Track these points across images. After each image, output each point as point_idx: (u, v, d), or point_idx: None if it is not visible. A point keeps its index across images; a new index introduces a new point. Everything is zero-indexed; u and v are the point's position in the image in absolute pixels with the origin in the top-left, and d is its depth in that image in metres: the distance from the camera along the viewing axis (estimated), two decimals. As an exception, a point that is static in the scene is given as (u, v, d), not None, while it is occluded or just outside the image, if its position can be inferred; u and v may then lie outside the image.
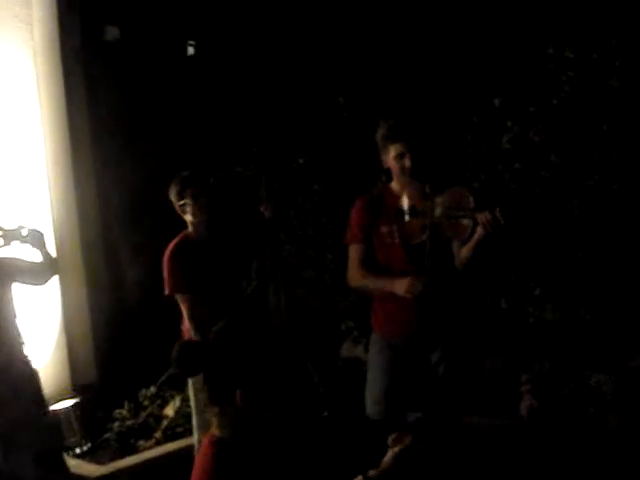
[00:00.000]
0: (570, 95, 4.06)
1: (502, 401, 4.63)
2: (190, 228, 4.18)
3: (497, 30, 4.44)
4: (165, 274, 4.15)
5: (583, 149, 4.14)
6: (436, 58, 4.84)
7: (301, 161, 5.83)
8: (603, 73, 3.97)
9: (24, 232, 3.74)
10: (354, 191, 5.62)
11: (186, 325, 4.19)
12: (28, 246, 3.76)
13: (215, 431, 2.15)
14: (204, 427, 4.16)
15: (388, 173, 3.78)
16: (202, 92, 6.07)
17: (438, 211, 3.47)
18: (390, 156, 3.64)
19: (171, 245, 4.17)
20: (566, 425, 4.37)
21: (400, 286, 3.54)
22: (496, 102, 4.27)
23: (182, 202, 4.11)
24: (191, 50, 6.42)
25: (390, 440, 2.53)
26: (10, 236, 3.71)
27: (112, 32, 6.04)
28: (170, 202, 4.14)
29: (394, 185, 3.75)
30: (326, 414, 3.44)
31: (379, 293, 3.69)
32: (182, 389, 5.01)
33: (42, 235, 3.80)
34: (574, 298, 4.37)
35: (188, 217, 4.13)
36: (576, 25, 4.04)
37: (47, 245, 3.84)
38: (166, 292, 4.16)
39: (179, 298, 4.14)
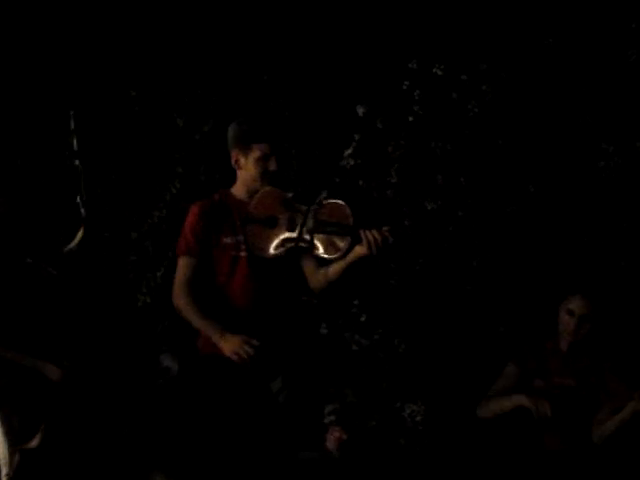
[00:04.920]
0: (422, 114, 3.95)
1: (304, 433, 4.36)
2: None
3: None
4: None
5: (427, 170, 4.03)
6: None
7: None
8: (464, 95, 3.91)
9: None
10: (144, 195, 5.19)
11: None
12: None
13: None
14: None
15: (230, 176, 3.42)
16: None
17: (310, 224, 3.14)
18: (252, 157, 3.26)
19: None
20: (377, 458, 4.22)
21: (228, 345, 3.09)
22: (360, 110, 4.02)
23: None
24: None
25: None
26: None
27: None
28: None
29: (238, 190, 3.36)
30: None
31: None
32: None
33: None
34: (388, 326, 4.22)
35: None
36: (448, 43, 3.93)
37: None
38: None
39: None
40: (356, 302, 4.36)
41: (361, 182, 4.04)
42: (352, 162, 4.06)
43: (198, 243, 3.27)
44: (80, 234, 3.71)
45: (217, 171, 5.08)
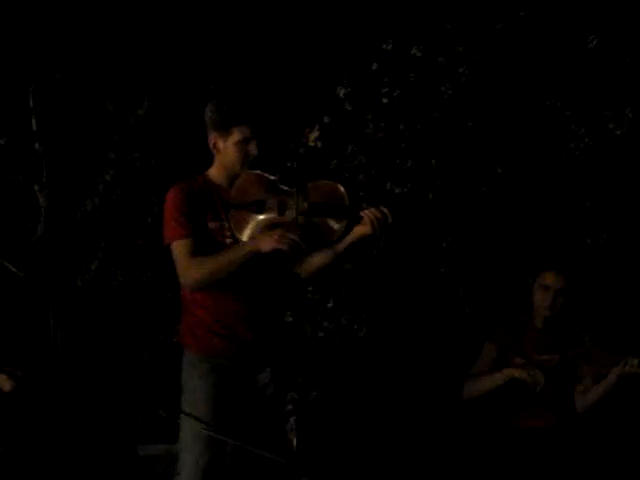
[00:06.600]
0: (396, 96, 3.88)
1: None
2: None
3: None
4: None
5: (398, 153, 3.97)
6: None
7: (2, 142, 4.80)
8: (439, 77, 3.87)
9: None
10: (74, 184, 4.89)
11: None
12: None
13: None
14: None
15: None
16: None
17: (304, 207, 3.00)
18: (231, 141, 3.09)
19: None
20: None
21: (269, 239, 2.92)
22: (341, 92, 3.89)
23: None
24: None
25: None
26: None
27: None
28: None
29: (216, 175, 3.18)
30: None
31: (231, 270, 2.99)
32: None
33: None
34: (354, 311, 4.16)
35: None
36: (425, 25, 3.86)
37: None
38: None
39: None
40: (310, 288, 4.31)
41: (332, 165, 3.96)
42: (319, 144, 3.97)
43: (191, 222, 3.06)
44: (41, 226, 3.43)
45: (153, 157, 4.88)
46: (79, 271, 4.78)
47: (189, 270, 3.05)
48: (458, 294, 4.13)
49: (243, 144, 3.09)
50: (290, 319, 4.08)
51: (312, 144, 3.99)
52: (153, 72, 4.76)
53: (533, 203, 4.07)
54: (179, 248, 3.07)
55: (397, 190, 3.93)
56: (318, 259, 3.15)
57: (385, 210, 2.96)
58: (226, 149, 3.12)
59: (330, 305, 4.12)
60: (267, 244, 2.95)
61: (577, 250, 4.00)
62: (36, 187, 3.43)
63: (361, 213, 2.96)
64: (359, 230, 3.02)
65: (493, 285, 4.16)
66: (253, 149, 3.09)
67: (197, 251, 3.04)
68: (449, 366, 4.00)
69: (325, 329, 4.14)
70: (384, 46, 3.98)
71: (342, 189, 3.02)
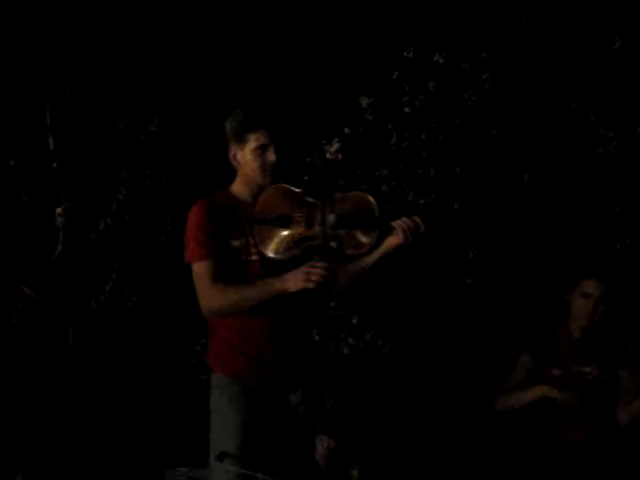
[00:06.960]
0: (418, 105, 3.80)
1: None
2: None
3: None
4: None
5: (421, 163, 3.90)
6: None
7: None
8: (463, 84, 3.79)
9: None
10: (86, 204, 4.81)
11: None
12: None
13: None
14: None
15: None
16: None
17: (332, 219, 2.90)
18: (248, 149, 2.97)
19: None
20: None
21: (294, 279, 2.80)
22: (364, 102, 3.81)
23: None
24: None
25: None
26: None
27: None
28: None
29: (239, 189, 3.06)
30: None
31: (253, 305, 2.89)
32: None
33: None
34: (380, 326, 4.07)
35: None
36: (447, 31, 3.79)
37: None
38: None
39: None
40: (332, 304, 4.22)
41: (354, 176, 3.88)
42: (340, 157, 3.89)
43: (213, 242, 2.94)
44: (60, 248, 3.34)
45: (165, 174, 4.80)
46: (93, 293, 4.70)
47: (210, 297, 2.94)
48: (485, 305, 4.04)
49: (260, 151, 2.97)
50: (317, 337, 3.99)
51: (331, 157, 3.93)
52: (164, 88, 4.70)
53: (561, 210, 3.98)
54: (200, 270, 2.96)
55: (421, 201, 3.85)
56: (350, 273, 3.04)
57: (417, 219, 2.89)
58: (244, 158, 3.01)
59: (354, 321, 4.03)
60: (295, 284, 2.84)
61: (609, 256, 3.91)
62: (58, 210, 3.35)
63: (392, 223, 2.88)
64: (391, 241, 2.93)
65: (521, 295, 4.06)
66: (270, 156, 2.97)
67: (219, 274, 2.93)
68: (476, 379, 3.90)
69: (349, 345, 4.05)
70: (405, 54, 3.92)
71: (372, 199, 2.93)
